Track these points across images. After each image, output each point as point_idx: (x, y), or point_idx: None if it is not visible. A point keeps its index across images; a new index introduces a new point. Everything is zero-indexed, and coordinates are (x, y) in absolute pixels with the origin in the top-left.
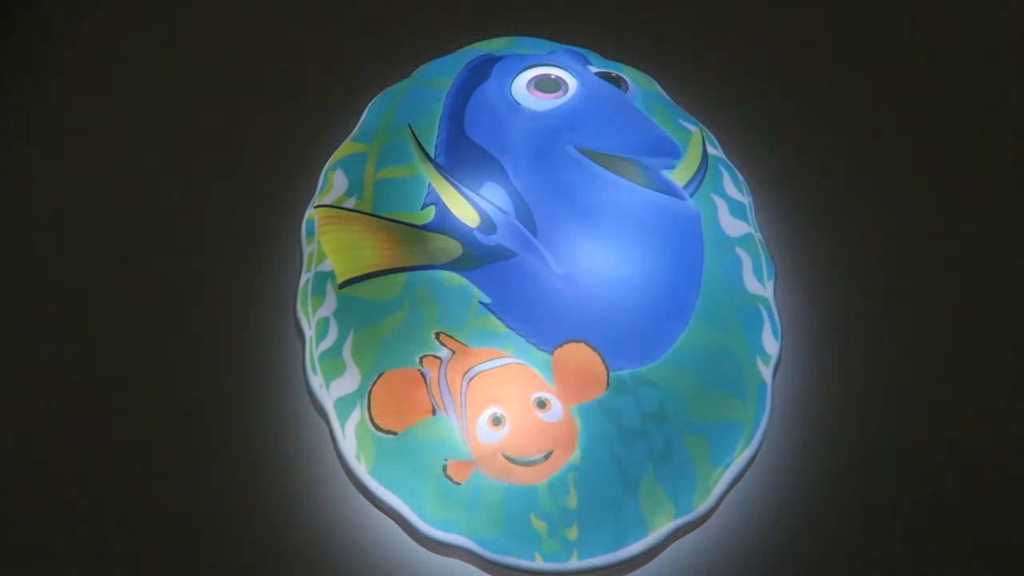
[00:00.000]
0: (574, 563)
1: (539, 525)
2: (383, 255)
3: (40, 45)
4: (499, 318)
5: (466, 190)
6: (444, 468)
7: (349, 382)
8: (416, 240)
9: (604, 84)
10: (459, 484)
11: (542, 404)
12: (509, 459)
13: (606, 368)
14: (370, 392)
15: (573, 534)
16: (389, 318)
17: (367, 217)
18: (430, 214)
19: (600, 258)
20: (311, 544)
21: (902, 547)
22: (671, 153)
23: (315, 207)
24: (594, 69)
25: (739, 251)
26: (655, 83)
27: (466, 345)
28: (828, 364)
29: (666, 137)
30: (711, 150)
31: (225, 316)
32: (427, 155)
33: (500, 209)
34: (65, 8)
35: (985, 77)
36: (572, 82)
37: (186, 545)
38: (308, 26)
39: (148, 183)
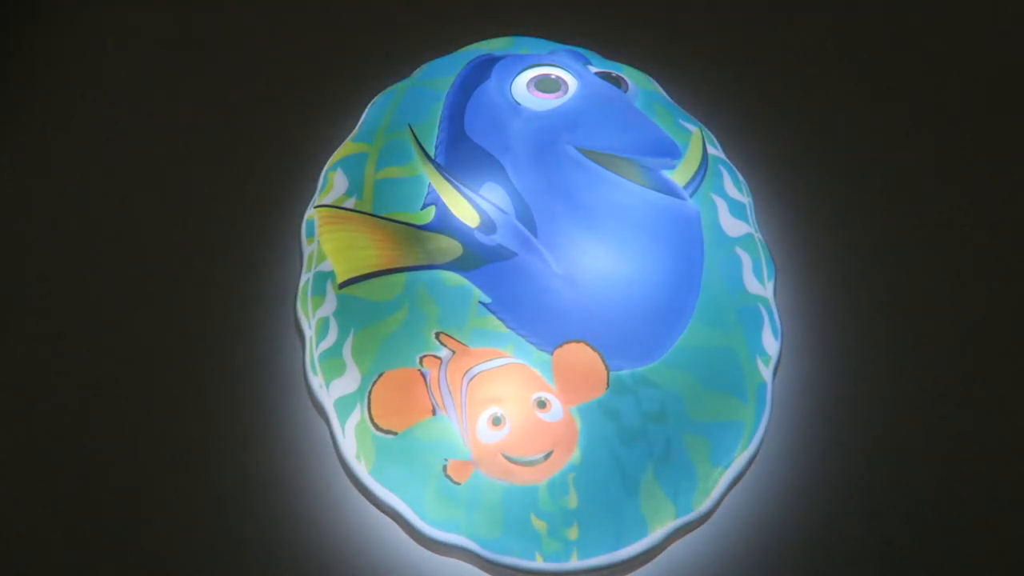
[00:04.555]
0: (574, 563)
1: (539, 525)
2: (383, 255)
3: (39, 44)
4: (499, 318)
5: (466, 190)
6: (444, 468)
7: (349, 382)
8: (416, 240)
9: (604, 84)
10: (459, 484)
11: (542, 404)
12: (509, 459)
13: (606, 368)
14: (370, 392)
15: (573, 534)
16: (389, 318)
17: (367, 217)
18: (430, 214)
19: (600, 258)
20: (311, 544)
21: (902, 546)
22: (671, 153)
23: (315, 207)
24: (594, 69)
25: (739, 251)
26: (655, 83)
27: (466, 345)
28: (828, 364)
29: (666, 137)
30: (711, 150)
31: (225, 316)
32: (427, 155)
33: (500, 209)
34: (66, 8)
35: (986, 78)
36: (572, 82)
37: (186, 545)
38: (308, 26)
39: (148, 183)
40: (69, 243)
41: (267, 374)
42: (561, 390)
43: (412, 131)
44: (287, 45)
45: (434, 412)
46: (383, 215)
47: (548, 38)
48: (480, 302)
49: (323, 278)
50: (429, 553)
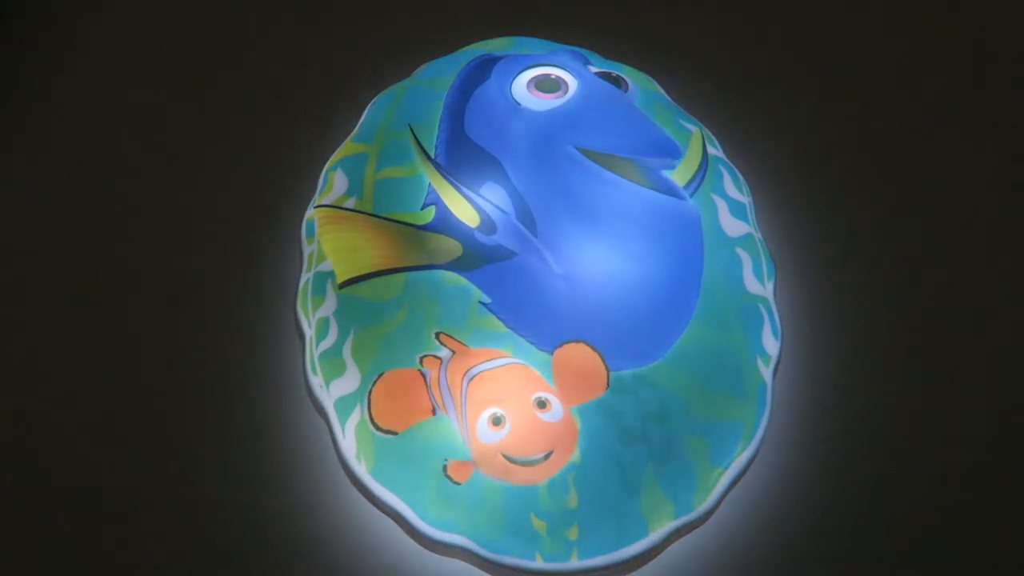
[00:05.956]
0: (574, 563)
1: (539, 525)
2: (383, 255)
3: (38, 43)
4: (499, 318)
5: (466, 190)
6: (444, 468)
7: (349, 382)
8: (416, 240)
9: (604, 84)
10: (459, 484)
11: (542, 404)
12: (509, 459)
13: (606, 368)
14: (370, 392)
15: (573, 534)
16: (389, 318)
17: (367, 217)
18: (430, 214)
19: (600, 258)
20: (311, 544)
21: (901, 546)
22: (671, 153)
23: (315, 207)
24: (594, 69)
25: (739, 251)
26: (655, 83)
27: (466, 345)
28: (828, 364)
29: (666, 137)
30: (711, 150)
31: (225, 316)
32: (427, 155)
33: (500, 209)
34: (65, 7)
35: (986, 78)
36: (572, 82)
37: (187, 545)
38: (308, 26)
39: (148, 183)
40: (68, 243)
41: (267, 374)
42: (561, 390)
43: (412, 131)
44: (287, 45)
45: (434, 412)
46: (383, 215)
47: (548, 38)
48: (480, 302)
49: (323, 278)
50: (429, 553)
